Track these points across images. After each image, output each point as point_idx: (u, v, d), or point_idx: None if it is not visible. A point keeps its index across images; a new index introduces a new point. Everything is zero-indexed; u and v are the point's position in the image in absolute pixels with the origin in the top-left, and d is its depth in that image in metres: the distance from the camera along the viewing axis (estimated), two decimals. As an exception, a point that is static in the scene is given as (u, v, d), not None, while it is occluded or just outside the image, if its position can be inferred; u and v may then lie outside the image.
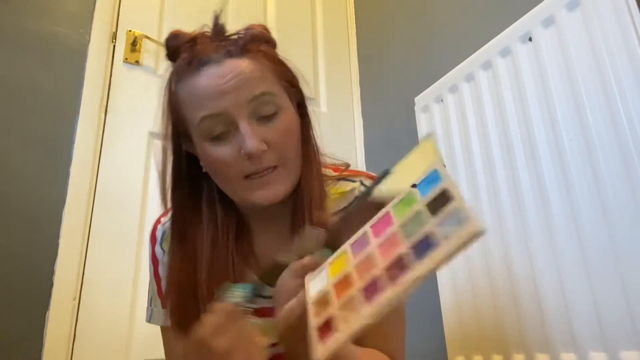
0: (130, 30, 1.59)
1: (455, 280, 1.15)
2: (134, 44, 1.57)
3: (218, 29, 0.65)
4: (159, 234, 0.76)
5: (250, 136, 0.59)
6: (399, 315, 0.70)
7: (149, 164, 1.51)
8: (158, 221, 0.77)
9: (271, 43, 0.68)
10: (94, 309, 1.28)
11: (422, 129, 1.36)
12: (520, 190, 1.02)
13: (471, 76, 1.20)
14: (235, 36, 0.65)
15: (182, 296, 0.65)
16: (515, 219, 1.02)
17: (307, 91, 0.71)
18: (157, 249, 0.76)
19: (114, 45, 1.56)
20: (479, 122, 1.16)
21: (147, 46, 1.61)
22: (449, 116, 1.26)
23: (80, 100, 1.43)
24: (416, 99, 1.41)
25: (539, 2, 1.05)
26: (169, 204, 0.69)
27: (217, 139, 0.61)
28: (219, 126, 0.61)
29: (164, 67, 1.74)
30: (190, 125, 0.63)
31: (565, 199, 0.93)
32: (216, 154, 0.61)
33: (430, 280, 1.23)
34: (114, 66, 1.53)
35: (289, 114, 0.64)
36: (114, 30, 1.57)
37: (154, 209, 1.44)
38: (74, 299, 1.27)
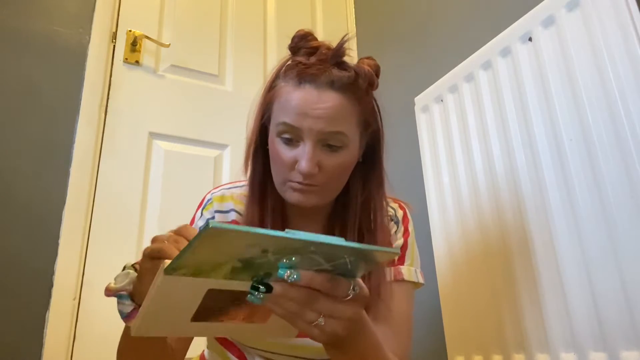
0: (130, 30, 1.59)
1: (456, 281, 1.15)
2: (134, 44, 1.57)
3: (339, 52, 0.71)
4: (205, 201, 0.84)
5: (309, 159, 0.68)
6: (407, 320, 0.77)
7: (149, 164, 1.51)
8: (209, 192, 0.86)
9: (374, 85, 0.74)
10: (94, 309, 1.28)
11: (422, 129, 1.36)
12: (520, 190, 1.02)
13: (471, 76, 1.20)
14: (346, 70, 0.70)
15: None
16: (515, 218, 1.02)
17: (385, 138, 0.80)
18: (198, 213, 0.84)
19: (114, 45, 1.56)
20: (479, 122, 1.16)
21: (147, 46, 1.61)
22: (449, 116, 1.26)
23: (80, 100, 1.43)
24: (416, 99, 1.41)
25: (539, 2, 1.05)
26: (249, 168, 0.80)
27: (286, 140, 0.70)
28: (290, 134, 0.70)
29: (164, 67, 1.74)
30: (273, 117, 0.73)
31: (565, 199, 0.93)
32: (278, 150, 0.71)
33: (430, 280, 1.23)
34: (114, 66, 1.54)
35: (351, 152, 0.72)
36: (114, 30, 1.57)
37: (154, 209, 1.46)
38: (74, 299, 1.27)
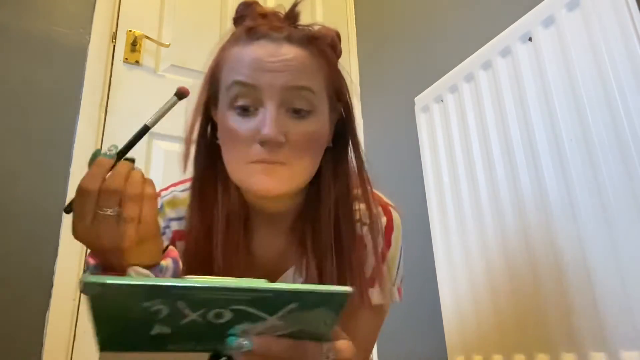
0: (130, 30, 1.59)
1: (455, 281, 1.15)
2: (134, 44, 1.57)
3: (293, 14, 0.63)
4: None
5: (272, 122, 0.55)
6: (370, 341, 0.71)
7: (149, 164, 1.51)
8: (158, 194, 0.71)
9: (336, 50, 0.64)
10: (94, 309, 1.28)
11: (422, 129, 1.36)
12: (520, 190, 1.02)
13: (471, 76, 1.20)
14: (305, 28, 0.62)
15: (197, 261, 0.62)
16: (515, 218, 1.02)
17: (355, 114, 0.67)
18: None
19: (114, 45, 1.56)
20: (479, 122, 1.16)
21: (147, 46, 1.61)
22: (449, 116, 1.26)
23: (80, 100, 1.43)
24: (416, 99, 1.41)
25: (539, 2, 1.05)
26: (189, 170, 0.66)
27: (240, 110, 0.58)
28: (246, 98, 0.57)
29: (164, 67, 1.74)
30: (221, 88, 0.61)
31: (566, 199, 0.93)
32: (232, 125, 0.58)
33: (430, 281, 1.23)
34: (114, 66, 1.53)
35: (321, 121, 0.60)
36: (114, 30, 1.57)
37: (154, 209, 1.46)
38: (74, 299, 1.27)
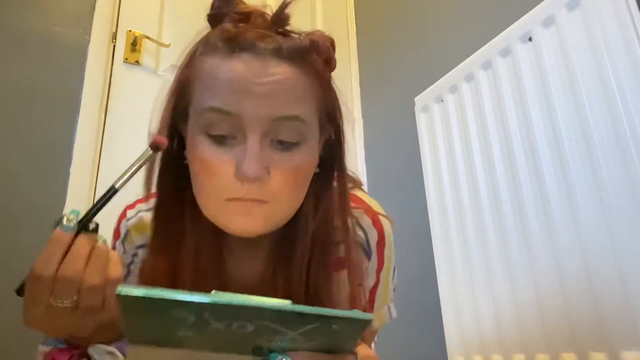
0: (130, 30, 1.59)
1: (455, 281, 1.15)
2: (134, 44, 1.57)
3: (282, 17, 0.51)
4: (122, 230, 0.64)
5: (254, 159, 0.46)
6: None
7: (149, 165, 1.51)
8: (124, 215, 0.65)
9: (330, 63, 0.54)
10: (94, 309, 1.28)
11: (422, 129, 1.36)
12: (520, 190, 1.02)
13: (471, 76, 1.20)
14: (296, 36, 0.52)
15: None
16: (515, 218, 1.02)
17: (348, 135, 0.58)
18: (118, 245, 0.64)
19: (114, 45, 1.56)
20: (479, 122, 1.16)
21: (147, 46, 1.61)
22: (449, 116, 1.26)
23: (80, 100, 1.43)
24: (416, 99, 1.41)
25: (539, 2, 1.05)
26: (152, 190, 0.58)
27: (216, 138, 0.49)
28: (223, 126, 0.48)
29: (164, 67, 1.74)
30: (192, 107, 0.51)
31: (565, 199, 0.93)
32: (206, 155, 0.48)
33: (430, 281, 1.23)
34: (114, 66, 1.53)
35: (310, 152, 0.51)
36: (114, 30, 1.57)
37: (154, 209, 1.46)
38: (74, 299, 1.27)
